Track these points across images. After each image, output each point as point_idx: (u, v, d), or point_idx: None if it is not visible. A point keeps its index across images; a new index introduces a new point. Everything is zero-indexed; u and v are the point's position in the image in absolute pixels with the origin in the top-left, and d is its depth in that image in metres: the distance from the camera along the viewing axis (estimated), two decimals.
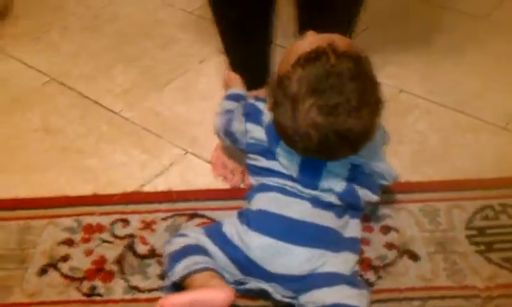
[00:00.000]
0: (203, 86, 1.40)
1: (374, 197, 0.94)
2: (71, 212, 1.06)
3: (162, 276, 0.93)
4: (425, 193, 1.06)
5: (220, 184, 1.11)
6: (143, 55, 1.53)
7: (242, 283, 0.88)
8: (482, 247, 0.96)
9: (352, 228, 0.92)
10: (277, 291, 0.86)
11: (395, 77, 1.36)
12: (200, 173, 1.14)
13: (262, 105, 0.97)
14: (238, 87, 1.16)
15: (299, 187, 0.91)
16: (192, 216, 1.03)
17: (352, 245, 0.90)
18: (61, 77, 1.45)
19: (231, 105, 1.09)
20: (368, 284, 0.90)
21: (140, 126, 1.28)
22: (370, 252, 0.96)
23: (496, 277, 0.91)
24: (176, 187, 1.11)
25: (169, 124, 1.28)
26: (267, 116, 0.95)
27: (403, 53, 1.44)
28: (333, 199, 0.90)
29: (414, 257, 0.95)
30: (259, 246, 0.86)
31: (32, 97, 1.39)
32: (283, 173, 0.92)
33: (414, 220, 1.01)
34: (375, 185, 0.95)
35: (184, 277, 0.85)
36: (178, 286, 0.86)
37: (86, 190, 1.11)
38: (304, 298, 0.84)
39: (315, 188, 0.90)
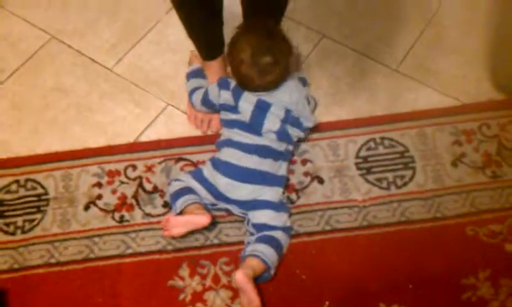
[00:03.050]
0: (172, 38, 1.81)
1: (301, 134, 1.47)
2: (95, 161, 1.55)
3: (165, 205, 1.47)
4: (331, 131, 1.57)
5: (195, 132, 1.61)
6: (120, 5, 1.90)
7: (215, 205, 1.43)
8: (364, 171, 1.50)
9: (282, 168, 1.47)
10: (235, 210, 1.42)
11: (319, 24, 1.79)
12: (180, 122, 1.63)
13: (229, 80, 1.48)
14: (195, 64, 1.62)
15: (251, 137, 1.43)
16: (178, 160, 1.54)
17: (281, 181, 1.45)
18: (59, 34, 1.84)
19: (195, 82, 1.58)
20: (291, 202, 1.46)
21: (129, 81, 1.72)
22: (293, 179, 1.50)
23: (370, 192, 1.46)
24: (163, 136, 1.60)
25: (151, 78, 1.73)
26: (232, 84, 1.46)
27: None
28: (273, 139, 1.43)
29: (321, 181, 1.50)
30: (224, 183, 1.41)
31: (40, 57, 1.79)
32: (242, 122, 1.44)
33: (323, 153, 1.54)
34: (302, 125, 1.47)
35: (182, 210, 1.39)
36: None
37: (100, 142, 1.60)
38: (250, 214, 1.41)
39: (260, 134, 1.44)
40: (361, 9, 1.85)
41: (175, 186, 1.43)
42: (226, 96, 1.47)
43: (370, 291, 1.30)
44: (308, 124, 1.47)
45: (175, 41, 1.79)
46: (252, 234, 1.38)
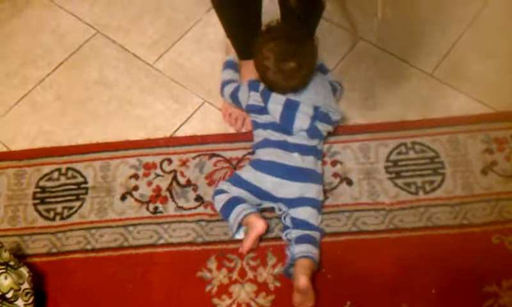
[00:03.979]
0: (211, 36, 1.87)
1: (330, 128, 1.51)
2: (133, 153, 1.62)
3: (197, 198, 1.52)
4: (363, 134, 1.60)
5: (229, 129, 1.66)
6: (164, 2, 1.96)
7: (260, 205, 1.46)
8: (393, 175, 1.52)
9: (319, 166, 1.50)
10: (281, 207, 1.45)
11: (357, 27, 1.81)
12: (215, 119, 1.68)
13: (258, 82, 1.53)
14: (233, 55, 1.67)
15: (285, 136, 1.47)
16: (211, 156, 1.60)
17: (322, 178, 1.49)
18: (104, 29, 1.92)
19: (230, 74, 1.63)
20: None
21: (169, 77, 1.79)
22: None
23: (398, 196, 1.48)
24: (198, 131, 1.65)
25: (190, 75, 1.78)
26: (261, 86, 1.51)
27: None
28: (305, 137, 1.47)
29: (349, 182, 1.52)
30: (271, 182, 1.44)
31: (86, 51, 1.87)
32: (273, 123, 1.49)
33: (353, 156, 1.56)
34: (330, 119, 1.51)
35: (238, 225, 1.41)
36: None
37: (141, 134, 1.66)
38: (291, 212, 1.44)
39: (291, 133, 1.47)
40: (400, 11, 1.85)
41: (221, 200, 1.45)
42: (255, 98, 1.52)
43: (392, 294, 1.32)
44: (336, 117, 1.52)
45: (214, 40, 1.84)
46: (287, 227, 1.41)
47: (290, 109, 1.47)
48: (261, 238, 1.42)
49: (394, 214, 1.45)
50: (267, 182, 1.43)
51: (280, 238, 1.43)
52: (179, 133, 1.65)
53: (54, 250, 1.45)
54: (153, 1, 1.96)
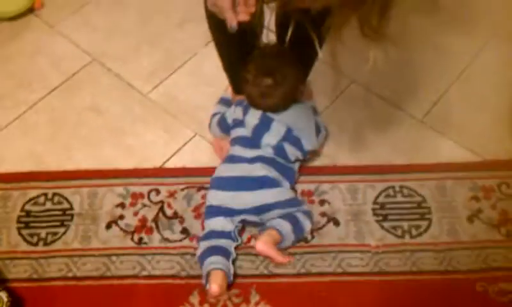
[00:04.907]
0: (208, 70, 1.87)
1: (299, 155, 1.52)
2: (121, 182, 1.61)
3: (183, 231, 1.51)
4: (352, 175, 1.61)
5: (219, 163, 1.66)
6: (162, 35, 1.99)
7: (237, 226, 1.45)
8: (380, 218, 1.52)
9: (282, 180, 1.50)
10: (251, 218, 1.45)
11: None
12: (205, 152, 1.68)
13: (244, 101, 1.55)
14: (229, 93, 1.69)
15: (249, 151, 1.49)
16: (200, 188, 1.59)
17: (283, 182, 1.49)
18: (101, 58, 1.93)
19: (219, 109, 1.66)
20: (306, 241, 1.49)
21: (162, 109, 1.79)
22: None
23: (384, 239, 1.48)
24: (188, 164, 1.65)
25: (184, 107, 1.79)
26: (245, 102, 1.54)
27: None
28: (271, 153, 1.48)
29: (336, 223, 1.52)
30: (223, 198, 1.45)
31: (81, 78, 1.89)
32: (243, 137, 1.52)
33: (341, 196, 1.57)
34: (302, 147, 1.52)
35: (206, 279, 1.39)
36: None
37: (130, 164, 1.66)
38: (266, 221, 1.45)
39: (259, 147, 1.49)
40: (394, 58, 1.87)
41: (200, 248, 1.43)
42: (237, 112, 1.55)
43: None
44: (309, 147, 1.53)
45: (210, 74, 1.85)
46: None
47: (263, 124, 1.50)
48: (245, 275, 1.40)
49: (380, 257, 1.44)
50: (222, 197, 1.46)
51: (265, 276, 1.41)
52: (169, 165, 1.65)
53: (35, 276, 1.43)
54: (152, 33, 1.98)
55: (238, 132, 1.55)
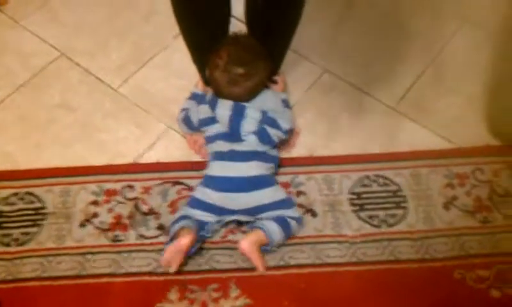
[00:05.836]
0: (177, 63, 1.84)
1: (281, 135, 1.51)
2: (94, 179, 1.58)
3: (158, 227, 1.49)
4: (327, 165, 1.60)
5: (194, 156, 1.64)
6: (131, 28, 1.95)
7: (221, 221, 1.45)
8: (357, 208, 1.52)
9: (271, 169, 1.51)
10: (243, 218, 1.44)
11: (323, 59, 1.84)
12: (179, 146, 1.66)
13: (203, 93, 1.57)
14: (199, 87, 1.67)
15: (233, 145, 1.47)
16: (175, 183, 1.57)
17: (274, 181, 1.49)
18: (69, 52, 1.89)
19: (188, 104, 1.63)
20: None
21: (133, 103, 1.76)
22: None
23: (361, 229, 1.49)
24: (162, 158, 1.63)
25: (155, 101, 1.76)
26: (208, 96, 1.52)
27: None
28: (255, 141, 1.47)
29: (314, 214, 1.52)
30: (218, 198, 1.43)
31: (49, 73, 1.84)
32: (222, 133, 1.49)
33: (318, 187, 1.56)
34: (280, 126, 1.51)
35: (172, 237, 1.39)
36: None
37: (102, 160, 1.63)
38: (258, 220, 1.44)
39: (241, 139, 1.47)
40: (366, 46, 1.88)
41: (174, 218, 1.44)
42: (204, 109, 1.53)
43: None
44: (286, 125, 1.52)
45: (180, 67, 1.82)
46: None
47: (237, 113, 1.48)
48: (223, 269, 1.39)
49: (357, 247, 1.45)
50: (216, 198, 1.43)
51: (244, 269, 1.40)
52: (142, 160, 1.63)
53: (9, 277, 1.39)
54: (120, 27, 1.94)
55: (213, 129, 1.52)
